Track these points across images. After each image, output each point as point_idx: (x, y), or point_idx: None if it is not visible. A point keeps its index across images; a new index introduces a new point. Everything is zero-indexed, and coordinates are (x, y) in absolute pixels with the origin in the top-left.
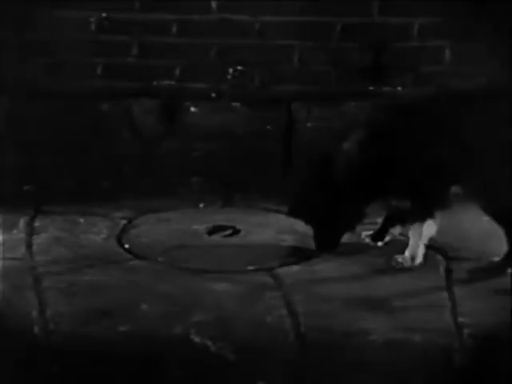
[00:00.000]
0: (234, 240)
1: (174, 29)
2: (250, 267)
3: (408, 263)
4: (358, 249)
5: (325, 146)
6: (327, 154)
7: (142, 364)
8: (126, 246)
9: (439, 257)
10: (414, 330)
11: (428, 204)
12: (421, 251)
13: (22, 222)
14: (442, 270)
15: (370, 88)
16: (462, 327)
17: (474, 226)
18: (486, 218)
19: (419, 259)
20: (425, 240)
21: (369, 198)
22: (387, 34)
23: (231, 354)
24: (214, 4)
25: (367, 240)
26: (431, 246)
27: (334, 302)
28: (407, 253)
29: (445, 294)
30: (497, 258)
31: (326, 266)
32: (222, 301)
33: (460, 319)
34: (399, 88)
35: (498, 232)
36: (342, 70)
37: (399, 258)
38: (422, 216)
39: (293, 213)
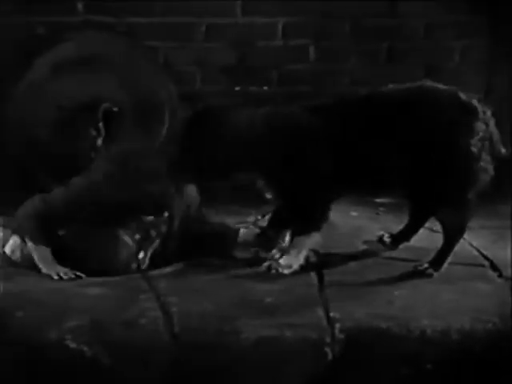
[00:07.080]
0: None
1: None
2: None
3: (284, 270)
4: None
5: None
6: None
7: (18, 372)
8: None
9: (311, 253)
10: (286, 327)
11: (314, 218)
12: (299, 261)
13: None
14: (313, 267)
15: (236, 88)
16: (333, 322)
17: (342, 222)
18: (353, 214)
19: (295, 268)
20: (306, 251)
21: None
22: (251, 33)
23: (107, 357)
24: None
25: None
26: None
27: (207, 303)
28: (284, 260)
29: (316, 291)
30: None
31: (196, 268)
32: (96, 305)
33: (331, 314)
34: (265, 88)
35: (367, 226)
36: (207, 69)
37: (274, 264)
38: (307, 229)
39: None
